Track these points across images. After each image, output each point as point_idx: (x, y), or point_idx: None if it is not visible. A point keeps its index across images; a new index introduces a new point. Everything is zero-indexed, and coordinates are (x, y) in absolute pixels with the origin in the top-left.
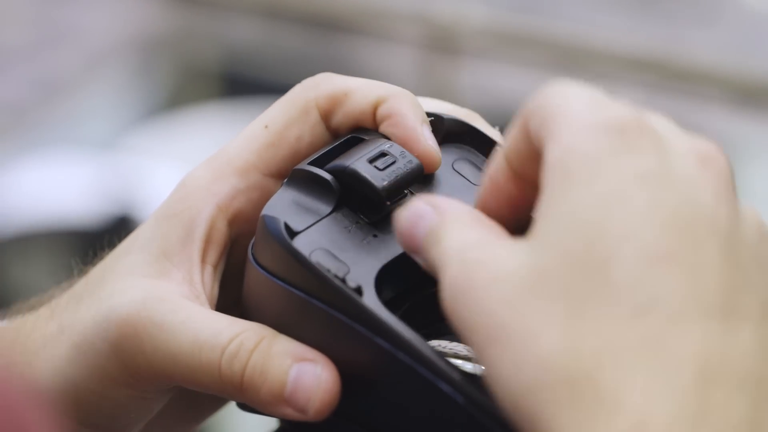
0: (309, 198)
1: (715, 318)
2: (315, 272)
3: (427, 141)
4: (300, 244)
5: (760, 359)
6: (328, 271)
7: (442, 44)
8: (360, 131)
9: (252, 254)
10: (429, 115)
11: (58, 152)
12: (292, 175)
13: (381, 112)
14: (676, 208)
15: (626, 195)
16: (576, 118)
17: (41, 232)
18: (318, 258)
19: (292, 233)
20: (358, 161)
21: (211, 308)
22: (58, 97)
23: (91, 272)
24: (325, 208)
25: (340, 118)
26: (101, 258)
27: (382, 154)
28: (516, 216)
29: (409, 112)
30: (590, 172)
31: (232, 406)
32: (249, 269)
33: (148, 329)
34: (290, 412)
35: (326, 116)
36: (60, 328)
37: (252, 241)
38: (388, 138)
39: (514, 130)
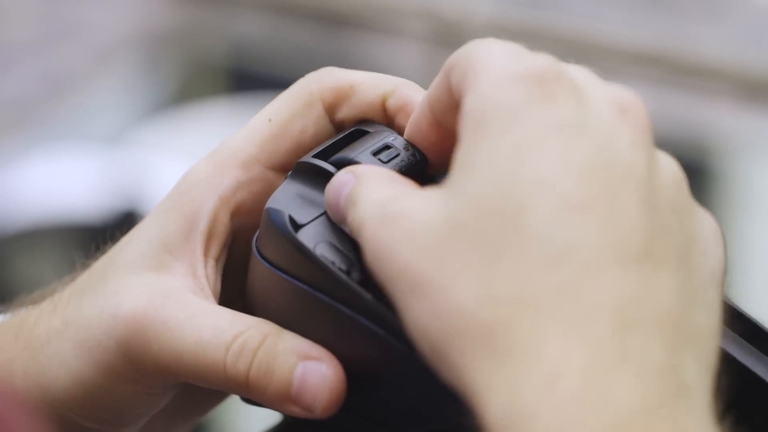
0: (313, 191)
1: (632, 264)
2: (319, 265)
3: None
4: (304, 236)
5: (677, 303)
6: (333, 263)
7: (449, 39)
8: (363, 123)
9: (256, 247)
10: None
11: (64, 147)
12: (296, 168)
13: (392, 104)
14: (592, 157)
15: (541, 144)
16: (494, 69)
17: (48, 227)
18: (322, 251)
19: (297, 226)
20: (362, 154)
21: (216, 302)
22: (65, 93)
23: (94, 266)
24: None
25: (345, 112)
26: (103, 251)
27: (386, 147)
28: (437, 163)
29: (419, 99)
30: (506, 121)
31: (235, 397)
32: (253, 262)
33: (154, 327)
34: (297, 411)
35: (330, 109)
36: (64, 324)
37: (256, 234)
38: (392, 130)
39: (436, 80)
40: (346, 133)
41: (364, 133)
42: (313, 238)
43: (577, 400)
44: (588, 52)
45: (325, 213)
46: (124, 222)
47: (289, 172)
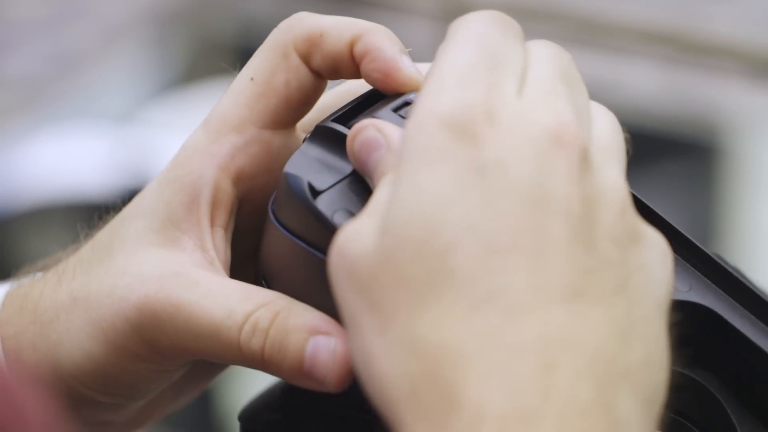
0: (332, 155)
1: (559, 303)
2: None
3: (409, 69)
4: (322, 204)
5: (610, 340)
6: None
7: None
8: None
9: (272, 212)
10: None
11: (74, 126)
12: (314, 131)
13: (357, 50)
14: (519, 197)
15: (467, 185)
16: (420, 109)
17: (57, 206)
18: (340, 219)
19: (315, 192)
20: (382, 111)
21: (226, 272)
22: (75, 71)
23: (97, 237)
24: (348, 167)
25: (318, 61)
26: (106, 222)
27: (406, 104)
28: None
29: (385, 44)
30: (432, 161)
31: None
32: (269, 227)
33: (167, 310)
34: (311, 384)
35: (305, 58)
36: (72, 299)
37: (272, 198)
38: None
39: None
40: (363, 96)
41: (382, 96)
42: (332, 205)
43: None
44: (598, 31)
45: (343, 180)
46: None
47: (307, 136)
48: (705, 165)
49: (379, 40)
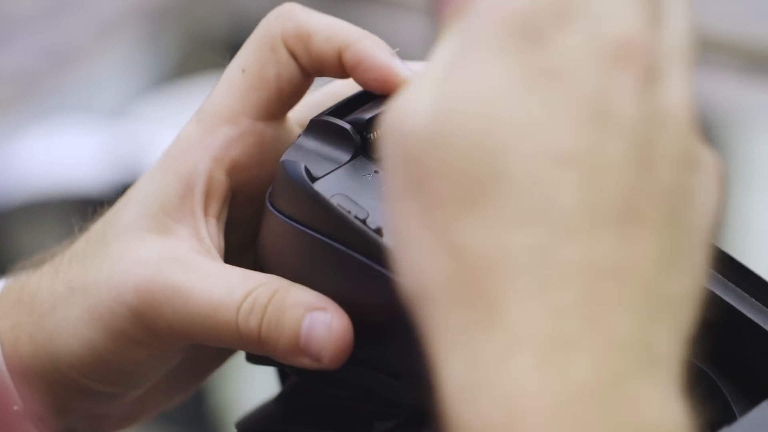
0: (327, 147)
1: (610, 227)
2: (335, 213)
3: (404, 71)
4: (320, 187)
5: (656, 270)
6: (349, 212)
7: None
8: None
9: (270, 201)
10: None
11: (67, 120)
12: (309, 125)
13: (347, 60)
14: (579, 109)
15: (530, 87)
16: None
17: (50, 200)
18: (338, 201)
19: (312, 178)
20: (377, 114)
21: (222, 261)
22: (68, 66)
23: (91, 229)
24: (344, 157)
25: (305, 60)
26: (100, 216)
27: None
28: None
29: (375, 52)
30: (496, 54)
31: (237, 361)
32: (266, 216)
33: (165, 292)
34: (307, 362)
35: (293, 53)
36: (69, 289)
37: (269, 189)
38: None
39: None
40: (357, 93)
41: (375, 95)
42: (329, 189)
43: (532, 372)
44: None
45: (339, 168)
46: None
47: (303, 131)
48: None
49: (369, 48)
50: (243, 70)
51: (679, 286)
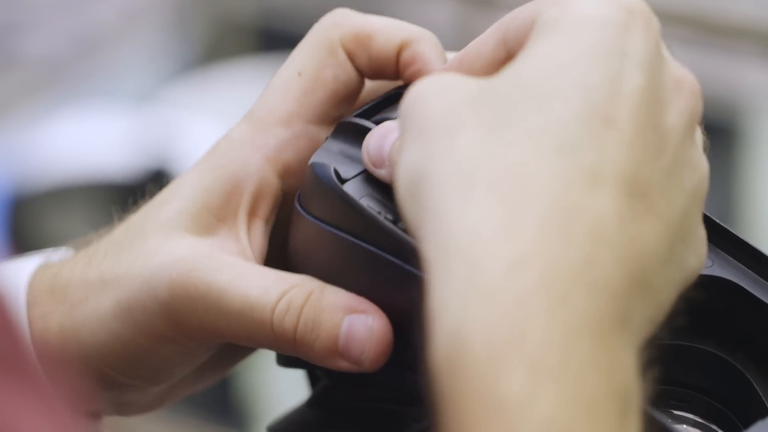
0: (355, 149)
1: (630, 198)
2: (366, 215)
3: None
4: (350, 189)
5: (656, 254)
6: (379, 213)
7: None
8: (402, 88)
9: (299, 203)
10: None
11: (94, 106)
12: (337, 127)
13: (405, 57)
14: (638, 92)
15: (602, 61)
16: None
17: (77, 185)
18: (368, 203)
19: (342, 180)
20: None
21: (259, 263)
22: (96, 51)
23: (131, 220)
24: None
25: (364, 61)
26: (140, 206)
27: None
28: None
29: (432, 57)
30: (585, 28)
31: (260, 357)
32: (296, 218)
33: (199, 290)
34: (345, 365)
35: (351, 56)
36: (101, 281)
37: (298, 193)
38: None
39: (522, 7)
40: (385, 96)
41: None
42: (359, 191)
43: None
44: None
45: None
46: (153, 180)
47: (331, 133)
48: (725, 146)
49: (427, 52)
50: (299, 73)
51: (671, 273)
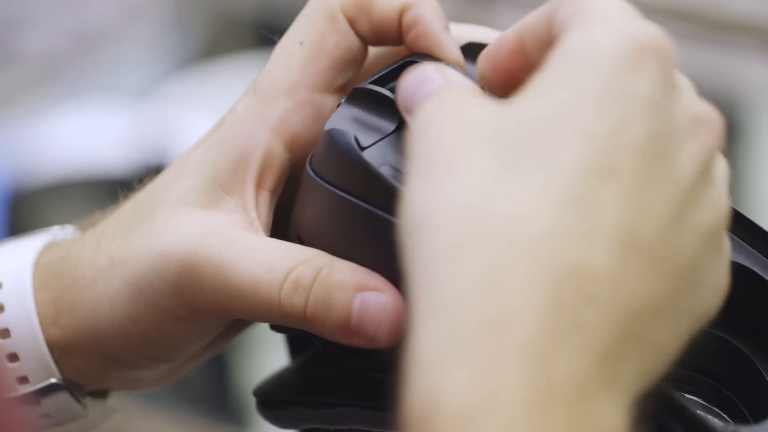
0: (371, 116)
1: (636, 253)
2: (386, 183)
3: (453, 48)
4: (369, 157)
5: (652, 313)
6: (399, 182)
7: None
8: (414, 55)
9: (312, 170)
10: (476, 45)
11: (93, 101)
12: (352, 94)
13: (407, 20)
14: (647, 140)
15: (613, 105)
16: (609, 19)
17: (76, 181)
18: (387, 172)
19: (361, 147)
20: None
21: (266, 233)
22: (95, 47)
23: (136, 198)
24: (389, 126)
25: (365, 26)
26: (147, 184)
27: None
28: (496, 95)
29: (433, 20)
30: (595, 67)
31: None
32: (308, 185)
33: (206, 268)
34: (359, 341)
35: (352, 22)
36: (110, 262)
37: (310, 155)
38: (444, 63)
39: (539, 10)
40: (399, 63)
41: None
42: (377, 159)
43: (515, 357)
44: None
45: (385, 138)
46: (152, 175)
47: (344, 99)
48: (725, 141)
49: (429, 14)
50: (301, 42)
51: (666, 334)
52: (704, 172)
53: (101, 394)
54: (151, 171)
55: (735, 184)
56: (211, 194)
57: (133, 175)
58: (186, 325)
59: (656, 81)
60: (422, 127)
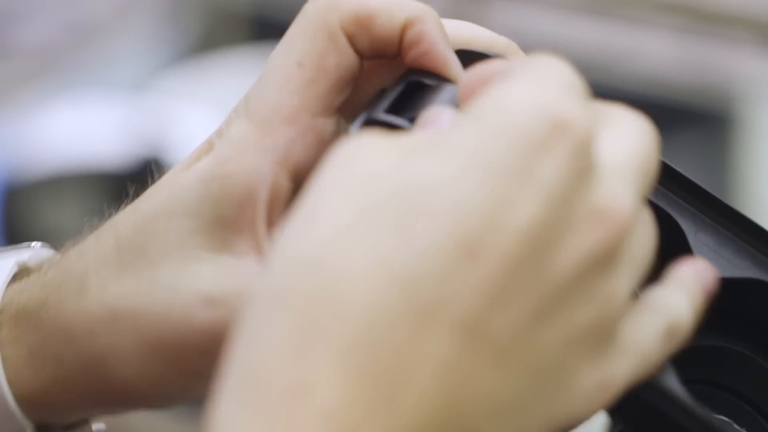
0: None
1: (467, 341)
2: None
3: (457, 67)
4: None
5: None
6: None
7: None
8: (415, 74)
9: None
10: (468, 53)
11: (88, 95)
12: (366, 124)
13: (409, 37)
14: (526, 230)
15: (497, 181)
16: (531, 85)
17: (71, 174)
18: None
19: None
20: (436, 101)
21: None
22: (90, 40)
23: (120, 230)
24: None
25: (365, 43)
26: (125, 207)
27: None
28: None
29: (438, 38)
30: (500, 137)
31: None
32: None
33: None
34: None
35: (351, 39)
36: (110, 313)
37: None
38: (447, 80)
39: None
40: (404, 85)
41: (423, 85)
42: None
43: None
44: (611, 1)
45: None
46: (146, 169)
47: (356, 128)
48: (719, 134)
49: (433, 32)
50: (299, 63)
51: None
52: (591, 270)
53: (82, 422)
54: (147, 164)
55: (729, 178)
56: (219, 235)
57: (129, 168)
58: (210, 380)
59: (562, 167)
60: (324, 168)
